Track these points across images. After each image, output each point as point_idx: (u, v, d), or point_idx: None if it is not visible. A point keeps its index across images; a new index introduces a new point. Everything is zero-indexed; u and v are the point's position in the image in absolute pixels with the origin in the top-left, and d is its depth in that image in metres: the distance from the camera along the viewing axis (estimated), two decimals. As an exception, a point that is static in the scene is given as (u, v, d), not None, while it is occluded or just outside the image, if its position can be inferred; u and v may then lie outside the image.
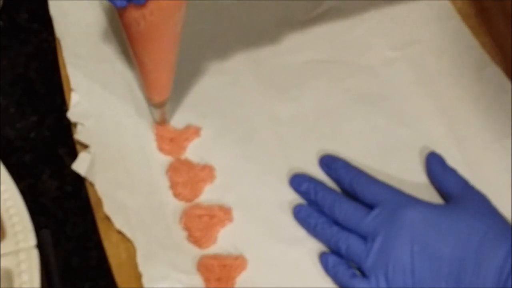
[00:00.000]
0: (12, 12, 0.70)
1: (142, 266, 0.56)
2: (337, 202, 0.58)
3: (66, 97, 0.64)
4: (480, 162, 0.62)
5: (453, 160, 0.61)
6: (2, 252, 0.53)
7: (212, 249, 0.58)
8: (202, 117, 0.64)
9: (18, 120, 0.65)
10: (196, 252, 0.58)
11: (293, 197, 0.61)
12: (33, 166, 0.63)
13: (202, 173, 0.61)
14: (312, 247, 0.58)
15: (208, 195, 0.60)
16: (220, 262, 0.57)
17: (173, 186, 0.60)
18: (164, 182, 0.61)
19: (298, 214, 0.59)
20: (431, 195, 0.60)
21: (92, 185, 0.60)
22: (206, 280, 0.56)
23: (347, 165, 0.61)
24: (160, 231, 0.58)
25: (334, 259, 0.57)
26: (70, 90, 0.64)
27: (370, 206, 0.57)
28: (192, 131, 0.63)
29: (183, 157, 0.62)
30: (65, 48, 0.66)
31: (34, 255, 0.53)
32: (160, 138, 0.62)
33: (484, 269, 0.53)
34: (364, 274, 0.56)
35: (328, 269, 0.57)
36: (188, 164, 0.61)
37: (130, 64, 0.66)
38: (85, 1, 0.68)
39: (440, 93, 0.66)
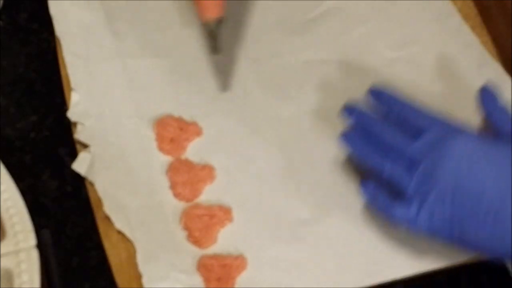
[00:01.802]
0: (12, 12, 0.70)
1: (142, 266, 0.56)
2: (385, 128, 0.58)
3: (66, 96, 0.64)
4: None
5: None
6: (2, 252, 0.53)
7: (212, 249, 0.58)
8: (202, 117, 0.64)
9: (18, 120, 0.65)
10: (196, 252, 0.58)
11: (293, 197, 0.61)
12: (33, 166, 0.63)
13: (202, 173, 0.61)
14: (312, 247, 0.58)
15: (208, 195, 0.60)
16: (220, 262, 0.57)
17: (173, 186, 0.60)
18: (164, 182, 0.61)
19: (346, 137, 0.59)
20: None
21: (92, 185, 0.60)
22: (206, 280, 0.56)
23: (395, 95, 0.60)
24: (160, 231, 0.58)
25: (375, 184, 0.57)
26: (70, 89, 0.64)
27: (418, 134, 0.56)
28: (192, 131, 0.63)
29: (183, 157, 0.62)
30: (65, 48, 0.66)
31: (34, 255, 0.53)
32: (160, 138, 0.62)
33: None
34: (404, 201, 0.55)
35: (367, 194, 0.57)
36: (188, 164, 0.61)
37: (130, 63, 0.66)
38: (85, 1, 0.68)
39: (440, 93, 0.66)
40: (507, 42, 0.66)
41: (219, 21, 0.61)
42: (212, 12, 0.60)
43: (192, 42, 0.68)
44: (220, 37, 0.62)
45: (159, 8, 0.70)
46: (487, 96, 0.60)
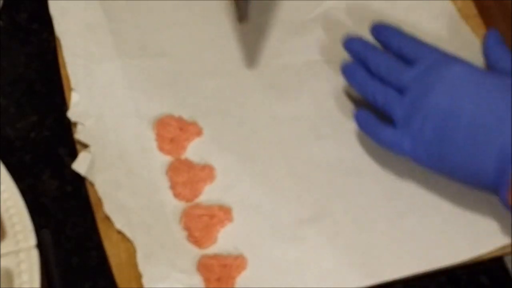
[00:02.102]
0: (12, 12, 0.70)
1: (142, 266, 0.56)
2: (381, 57, 0.60)
3: (66, 96, 0.64)
4: None
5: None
6: (2, 252, 0.53)
7: (212, 249, 0.58)
8: (202, 117, 0.64)
9: (18, 120, 0.65)
10: (196, 252, 0.58)
11: (293, 197, 0.61)
12: (33, 166, 0.63)
13: (202, 173, 0.61)
14: (312, 247, 0.58)
15: (208, 195, 0.60)
16: (220, 262, 0.57)
17: (173, 186, 0.60)
18: (164, 182, 0.61)
19: (346, 69, 0.62)
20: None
21: (92, 185, 0.60)
22: (206, 280, 0.56)
23: (396, 30, 0.62)
24: (160, 231, 0.58)
25: (367, 112, 0.60)
26: (70, 89, 0.64)
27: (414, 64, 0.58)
28: (192, 131, 0.63)
29: (183, 157, 0.62)
30: (65, 47, 0.66)
31: (34, 255, 0.53)
32: (160, 138, 0.62)
33: (498, 134, 0.53)
34: (392, 126, 0.57)
35: (358, 118, 0.60)
36: (188, 164, 0.61)
37: (130, 63, 0.66)
38: (85, 1, 0.68)
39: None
40: (507, 42, 0.66)
41: None
42: None
43: (192, 42, 0.68)
44: (247, 6, 0.62)
45: (159, 8, 0.70)
46: (493, 38, 0.61)
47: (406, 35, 0.61)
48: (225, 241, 0.59)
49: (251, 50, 0.66)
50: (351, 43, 0.63)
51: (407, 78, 0.58)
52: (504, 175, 0.53)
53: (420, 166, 0.58)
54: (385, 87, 0.59)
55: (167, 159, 0.62)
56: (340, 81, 0.66)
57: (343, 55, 0.66)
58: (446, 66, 0.57)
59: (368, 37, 0.63)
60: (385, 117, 0.59)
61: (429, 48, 0.59)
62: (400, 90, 0.58)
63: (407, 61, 0.59)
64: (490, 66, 0.61)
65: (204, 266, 0.57)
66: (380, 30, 0.63)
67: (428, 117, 0.56)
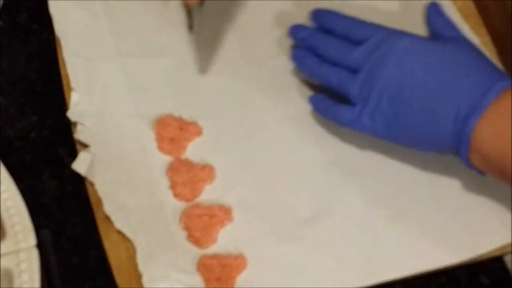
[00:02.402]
0: (12, 12, 0.70)
1: (142, 266, 0.56)
2: (330, 40, 0.61)
3: (66, 96, 0.64)
4: None
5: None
6: (2, 252, 0.53)
7: (212, 249, 0.58)
8: (202, 117, 0.64)
9: (18, 120, 0.65)
10: (196, 252, 0.58)
11: (293, 197, 0.61)
12: (33, 166, 0.63)
13: (202, 173, 0.61)
14: (312, 247, 0.58)
15: (208, 195, 0.60)
16: (220, 262, 0.57)
17: (173, 186, 0.60)
18: (164, 182, 0.61)
19: (296, 56, 0.63)
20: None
21: (92, 185, 0.60)
22: (206, 280, 0.56)
23: (338, 13, 0.63)
24: (160, 231, 0.58)
25: (322, 96, 0.62)
26: (70, 89, 0.64)
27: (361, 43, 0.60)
28: (192, 131, 0.63)
29: (183, 157, 0.62)
30: (65, 47, 0.66)
31: (34, 255, 0.53)
32: (160, 138, 0.62)
33: (453, 94, 0.55)
34: (353, 104, 0.59)
35: (313, 101, 0.62)
36: (188, 164, 0.61)
37: (130, 63, 0.66)
38: (85, 1, 0.68)
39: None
40: (507, 42, 0.66)
41: (200, 4, 0.62)
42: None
43: (192, 42, 0.68)
44: (199, 16, 0.62)
45: (159, 8, 0.70)
46: (434, 9, 0.65)
47: (348, 17, 0.63)
48: (225, 241, 0.59)
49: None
50: (296, 31, 0.64)
51: (358, 56, 0.59)
52: (462, 136, 0.54)
53: (384, 141, 0.60)
54: (338, 68, 0.60)
55: (167, 159, 0.62)
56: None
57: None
58: (394, 40, 0.58)
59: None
60: (342, 100, 0.60)
61: (374, 26, 0.61)
62: (352, 70, 0.59)
63: (354, 42, 0.60)
64: (434, 35, 0.63)
65: (204, 266, 0.57)
66: (321, 15, 0.64)
67: (383, 91, 0.57)
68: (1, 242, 0.53)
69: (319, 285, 0.57)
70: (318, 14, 0.64)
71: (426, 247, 0.59)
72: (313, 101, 0.63)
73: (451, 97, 0.55)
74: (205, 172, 0.61)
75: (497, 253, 0.59)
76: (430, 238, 0.59)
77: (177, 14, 0.69)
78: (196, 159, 0.62)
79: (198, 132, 0.63)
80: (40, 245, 0.54)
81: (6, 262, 0.52)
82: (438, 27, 0.63)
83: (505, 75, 0.56)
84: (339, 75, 0.60)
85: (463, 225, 0.60)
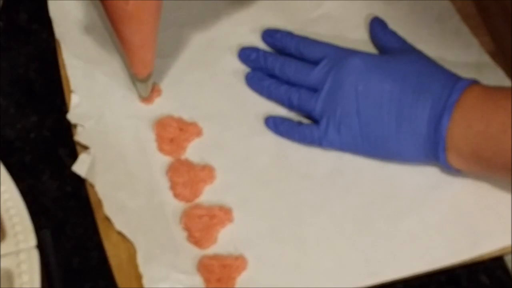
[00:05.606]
0: (12, 12, 0.70)
1: (143, 267, 0.57)
2: (286, 62, 0.63)
3: (66, 97, 0.64)
4: None
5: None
6: (2, 252, 0.53)
7: (212, 250, 0.58)
8: (202, 117, 0.64)
9: (18, 120, 0.65)
10: (196, 252, 0.58)
11: (292, 197, 0.61)
12: (33, 166, 0.63)
13: (202, 173, 0.61)
14: (312, 247, 0.58)
15: (208, 195, 0.60)
16: (220, 263, 0.57)
17: (173, 186, 0.60)
18: (164, 183, 0.61)
19: (251, 79, 0.64)
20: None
21: (92, 186, 0.60)
22: (206, 280, 0.56)
23: (290, 33, 0.65)
24: (160, 231, 0.58)
25: (279, 117, 0.63)
26: (69, 90, 0.64)
27: (317, 63, 0.61)
28: (192, 132, 0.63)
29: (183, 157, 0.62)
30: (65, 49, 0.66)
31: (35, 256, 0.53)
32: (160, 139, 0.62)
33: (421, 101, 0.57)
34: (317, 122, 0.60)
35: (270, 123, 0.63)
36: (188, 164, 0.61)
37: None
38: (84, 2, 0.68)
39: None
40: (507, 42, 0.66)
41: (151, 73, 0.62)
42: (143, 72, 0.61)
43: (191, 42, 0.68)
44: (148, 84, 0.63)
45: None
46: (377, 24, 0.66)
47: (300, 37, 0.64)
48: (225, 241, 0.59)
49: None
50: (246, 53, 0.65)
51: (317, 76, 0.60)
52: (438, 137, 0.56)
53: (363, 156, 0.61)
54: (298, 88, 0.62)
55: (167, 159, 0.62)
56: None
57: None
58: (351, 58, 0.60)
59: (369, 38, 0.64)
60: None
61: (327, 45, 0.62)
62: (312, 89, 0.60)
63: (308, 61, 0.62)
64: (382, 49, 0.66)
65: (204, 267, 0.57)
66: (273, 35, 0.65)
67: (348, 105, 0.58)
68: (1, 243, 0.53)
69: (319, 285, 0.57)
70: (270, 33, 0.66)
71: (426, 247, 0.59)
72: (272, 124, 0.63)
73: (420, 103, 0.57)
74: (205, 172, 0.61)
75: (497, 253, 0.59)
76: (430, 238, 0.59)
77: (177, 14, 0.69)
78: (196, 160, 0.62)
79: (198, 132, 0.63)
80: (41, 246, 0.54)
81: (6, 263, 0.52)
82: (385, 40, 0.65)
83: (459, 76, 0.59)
84: (300, 94, 0.61)
85: (463, 225, 0.60)
